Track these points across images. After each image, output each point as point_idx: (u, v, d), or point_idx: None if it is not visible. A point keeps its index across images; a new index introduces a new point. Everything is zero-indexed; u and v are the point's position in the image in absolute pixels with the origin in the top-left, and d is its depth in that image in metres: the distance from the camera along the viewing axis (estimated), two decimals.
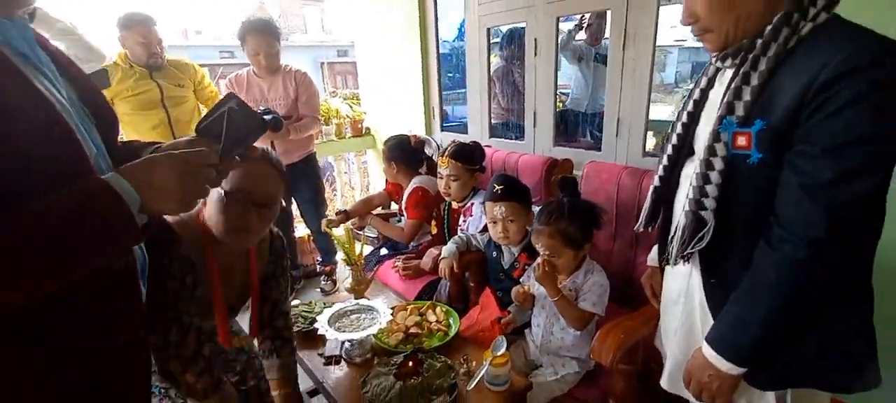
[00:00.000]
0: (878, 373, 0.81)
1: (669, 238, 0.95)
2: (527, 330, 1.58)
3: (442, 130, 2.93)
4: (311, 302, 1.70)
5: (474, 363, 1.32)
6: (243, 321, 1.32)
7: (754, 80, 0.77)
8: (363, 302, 1.53)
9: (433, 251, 1.86)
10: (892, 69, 0.67)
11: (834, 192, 0.70)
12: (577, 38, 2.99)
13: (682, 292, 0.98)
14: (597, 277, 1.42)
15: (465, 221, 1.98)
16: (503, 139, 2.64)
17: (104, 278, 0.62)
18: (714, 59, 0.89)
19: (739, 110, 0.79)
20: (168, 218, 1.01)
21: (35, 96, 0.57)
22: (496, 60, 2.94)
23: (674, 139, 0.96)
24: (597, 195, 1.75)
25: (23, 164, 0.53)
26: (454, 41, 3.67)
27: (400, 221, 2.30)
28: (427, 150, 2.37)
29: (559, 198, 1.46)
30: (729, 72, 0.84)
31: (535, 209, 1.58)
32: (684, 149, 0.94)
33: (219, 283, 1.07)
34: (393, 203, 2.53)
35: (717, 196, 0.82)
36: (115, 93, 2.18)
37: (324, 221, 2.24)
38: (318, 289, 2.79)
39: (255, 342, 1.31)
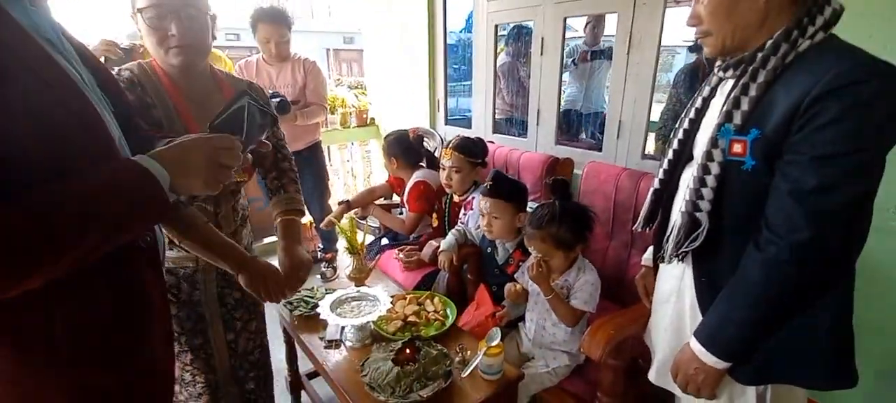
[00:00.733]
0: (855, 373, 0.85)
1: (665, 237, 1.00)
2: (520, 324, 1.62)
3: (446, 124, 2.96)
4: (313, 288, 1.74)
5: (469, 352, 1.36)
6: None
7: (752, 92, 0.82)
8: (364, 289, 1.58)
9: (433, 242, 1.91)
10: (877, 87, 0.71)
11: (819, 199, 0.74)
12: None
13: (674, 291, 1.03)
14: (588, 275, 1.46)
15: (465, 214, 2.01)
16: (506, 135, 2.67)
17: (131, 251, 0.68)
18: (716, 69, 0.93)
19: (737, 119, 0.83)
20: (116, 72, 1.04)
21: (67, 81, 0.61)
22: (502, 56, 2.96)
23: (675, 144, 1.00)
24: (595, 195, 1.78)
25: (60, 144, 0.57)
26: (461, 32, 3.69)
27: (401, 213, 2.34)
28: (430, 144, 2.40)
29: (550, 200, 1.49)
30: (730, 83, 0.88)
31: (532, 207, 1.62)
32: (684, 154, 0.98)
33: (188, 112, 1.10)
34: (394, 194, 2.57)
35: (712, 198, 0.87)
36: None
37: (326, 220, 2.27)
38: (319, 275, 2.84)
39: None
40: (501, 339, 1.29)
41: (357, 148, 3.60)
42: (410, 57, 2.97)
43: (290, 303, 1.64)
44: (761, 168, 0.81)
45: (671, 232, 0.96)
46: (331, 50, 16.69)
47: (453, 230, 1.88)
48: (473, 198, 1.99)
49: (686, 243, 0.91)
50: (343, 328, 1.46)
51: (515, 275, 1.63)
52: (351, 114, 3.40)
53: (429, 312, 1.57)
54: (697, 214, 0.88)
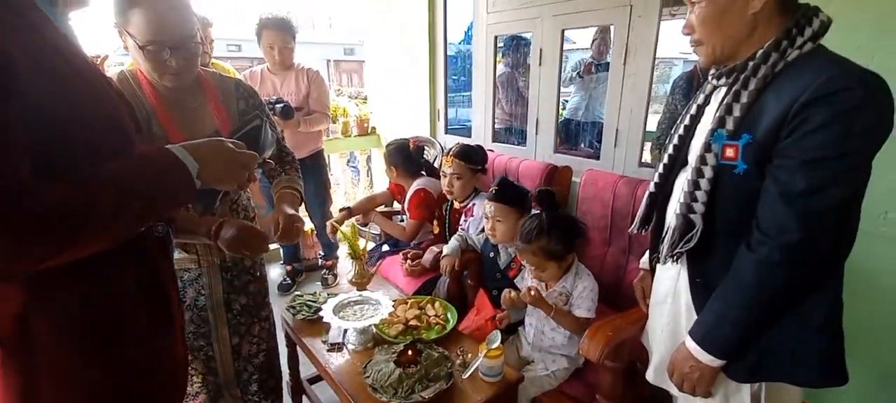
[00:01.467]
0: (845, 372, 0.88)
1: (661, 238, 1.03)
2: (520, 328, 1.64)
3: (446, 133, 3.00)
4: (315, 293, 1.76)
5: (470, 355, 1.38)
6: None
7: (744, 99, 0.85)
8: (366, 293, 1.60)
9: (434, 248, 1.93)
10: (863, 95, 0.75)
11: (808, 201, 0.77)
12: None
13: (670, 293, 1.05)
14: (586, 281, 1.48)
15: (465, 221, 2.04)
16: (506, 144, 2.71)
17: (147, 240, 0.75)
18: (710, 78, 0.97)
19: (729, 124, 0.86)
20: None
21: (96, 80, 0.67)
22: (501, 66, 3.01)
23: (670, 149, 1.03)
24: (593, 202, 1.81)
25: (93, 134, 0.64)
26: (460, 43, 3.75)
27: (402, 220, 2.37)
28: (430, 152, 2.44)
29: (538, 213, 1.52)
30: (723, 91, 0.92)
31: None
32: (679, 159, 1.02)
33: (166, 114, 1.15)
34: (395, 202, 2.60)
35: (705, 201, 0.90)
36: None
37: (328, 224, 2.30)
38: (319, 281, 2.86)
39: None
40: (501, 342, 1.31)
41: (358, 157, 3.63)
42: (411, 67, 3.02)
43: (293, 308, 1.66)
44: (753, 171, 0.84)
45: (666, 234, 0.99)
46: (331, 61, 16.85)
47: (455, 236, 1.91)
48: (474, 204, 2.02)
49: (681, 244, 0.94)
50: (345, 331, 1.48)
51: (516, 280, 1.66)
52: (352, 123, 3.44)
53: (430, 316, 1.59)
54: (692, 216, 0.92)
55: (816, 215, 0.78)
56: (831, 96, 0.75)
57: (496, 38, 2.56)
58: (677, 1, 1.85)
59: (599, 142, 2.26)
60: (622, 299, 1.66)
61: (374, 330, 1.50)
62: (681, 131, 1.01)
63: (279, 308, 1.72)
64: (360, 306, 1.53)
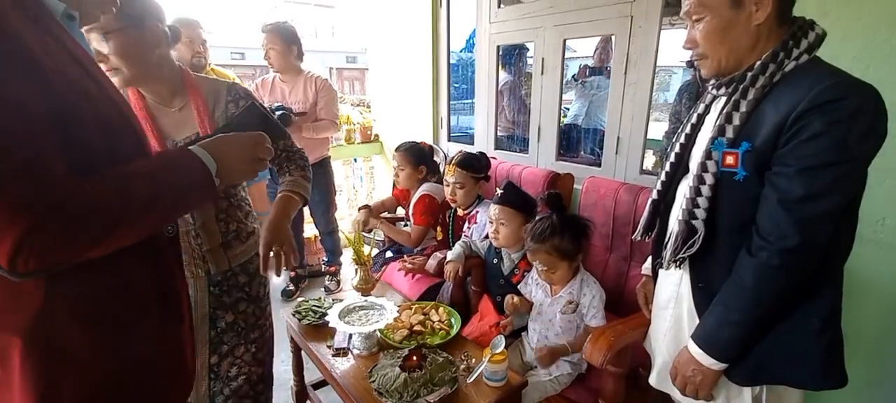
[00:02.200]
0: (845, 374, 0.89)
1: (664, 244, 1.05)
2: (523, 333, 1.66)
3: (449, 140, 3.03)
4: (320, 299, 1.78)
5: (474, 359, 1.40)
6: None
7: (743, 108, 0.88)
8: (371, 299, 1.62)
9: (438, 254, 1.95)
10: (857, 104, 0.78)
11: (805, 207, 0.80)
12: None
13: (673, 298, 1.07)
14: (593, 289, 1.50)
15: (469, 228, 2.06)
16: (508, 151, 2.74)
17: (159, 239, 0.78)
18: (710, 88, 1.00)
19: (729, 133, 0.89)
20: None
21: (110, 84, 0.71)
22: (504, 74, 3.04)
23: (672, 158, 1.06)
24: (595, 209, 1.83)
25: (111, 135, 0.67)
26: (461, 51, 3.79)
27: (406, 225, 2.39)
28: (435, 159, 2.47)
29: (548, 214, 1.54)
30: (722, 100, 0.95)
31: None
32: (681, 167, 1.04)
33: (139, 116, 1.13)
34: (399, 208, 2.62)
35: (707, 207, 0.92)
36: None
37: (354, 222, 2.33)
38: (322, 287, 2.88)
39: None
40: (505, 347, 1.33)
41: (362, 164, 3.67)
42: (414, 74, 3.05)
43: (299, 313, 1.68)
44: (752, 178, 0.87)
45: (669, 240, 1.01)
46: (334, 69, 16.96)
47: (459, 242, 1.93)
48: (478, 211, 2.04)
49: (683, 249, 0.96)
50: (350, 336, 1.50)
51: (519, 286, 1.68)
52: (355, 130, 3.47)
53: (434, 322, 1.61)
54: (694, 222, 0.94)
55: (814, 221, 0.80)
56: (826, 106, 0.78)
57: (499, 47, 2.59)
58: (677, 10, 1.89)
59: (601, 149, 2.28)
60: (625, 305, 1.68)
61: (379, 335, 1.52)
62: (682, 140, 1.04)
63: (283, 313, 1.73)
64: (364, 311, 1.55)
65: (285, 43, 2.44)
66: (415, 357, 1.33)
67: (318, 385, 1.85)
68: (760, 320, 0.88)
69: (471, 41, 3.47)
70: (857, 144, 0.78)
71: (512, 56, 3.13)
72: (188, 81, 1.22)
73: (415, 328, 1.56)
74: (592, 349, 1.25)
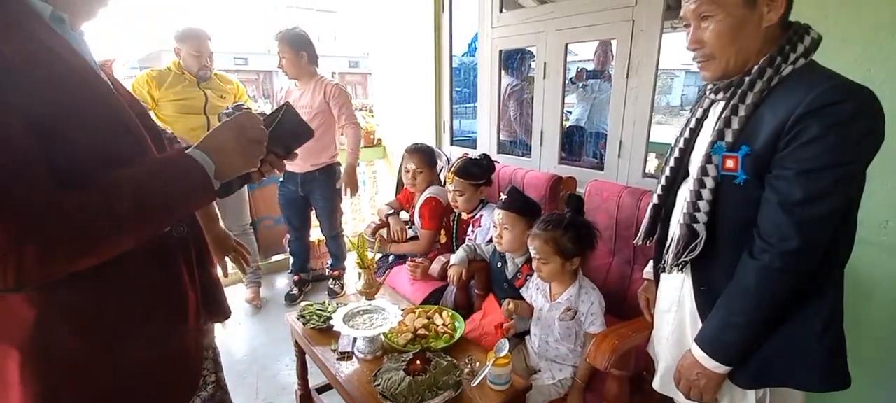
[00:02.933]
0: (848, 376, 0.90)
1: (665, 248, 1.05)
2: (527, 337, 1.66)
3: (452, 144, 3.04)
4: (324, 302, 1.79)
5: (478, 363, 1.40)
6: None
7: (742, 112, 0.89)
8: (375, 302, 1.62)
9: (442, 258, 1.96)
10: (854, 107, 0.78)
11: (805, 209, 0.81)
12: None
13: (675, 301, 1.08)
14: (592, 296, 1.49)
15: (473, 231, 2.07)
16: (510, 155, 2.75)
17: (167, 241, 0.78)
18: (708, 92, 1.00)
19: (728, 136, 0.90)
20: None
21: (108, 91, 0.71)
22: (509, 78, 3.06)
23: (672, 162, 1.06)
24: (598, 212, 1.84)
25: (109, 142, 0.67)
26: (463, 56, 3.80)
27: (411, 228, 2.39)
28: (438, 164, 2.48)
29: (564, 211, 1.56)
30: (721, 105, 0.95)
31: None
32: (681, 172, 1.05)
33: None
34: (404, 211, 2.63)
35: (708, 211, 0.93)
36: (163, 95, 2.34)
37: (369, 228, 2.35)
38: (326, 291, 2.89)
39: None
40: (509, 351, 1.33)
41: (364, 168, 3.68)
42: (417, 79, 3.07)
43: (303, 317, 1.69)
44: (753, 181, 0.88)
45: (671, 244, 1.02)
46: (336, 73, 17.01)
47: (463, 245, 1.93)
48: (482, 215, 2.05)
49: (685, 253, 0.97)
50: (355, 340, 1.51)
51: (522, 290, 1.68)
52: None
53: (438, 325, 1.61)
54: (695, 226, 0.95)
55: (814, 223, 0.81)
56: (824, 109, 0.78)
57: (501, 52, 2.61)
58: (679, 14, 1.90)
59: (603, 152, 2.29)
60: (627, 308, 1.68)
61: (383, 338, 1.53)
62: (681, 144, 1.05)
63: (287, 317, 1.75)
64: (369, 315, 1.56)
65: (294, 50, 2.45)
66: (419, 361, 1.33)
67: (323, 388, 1.86)
68: (763, 322, 0.88)
69: (473, 45, 3.49)
70: (855, 147, 0.79)
71: (515, 60, 3.14)
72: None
73: (419, 331, 1.57)
74: (596, 352, 1.25)
